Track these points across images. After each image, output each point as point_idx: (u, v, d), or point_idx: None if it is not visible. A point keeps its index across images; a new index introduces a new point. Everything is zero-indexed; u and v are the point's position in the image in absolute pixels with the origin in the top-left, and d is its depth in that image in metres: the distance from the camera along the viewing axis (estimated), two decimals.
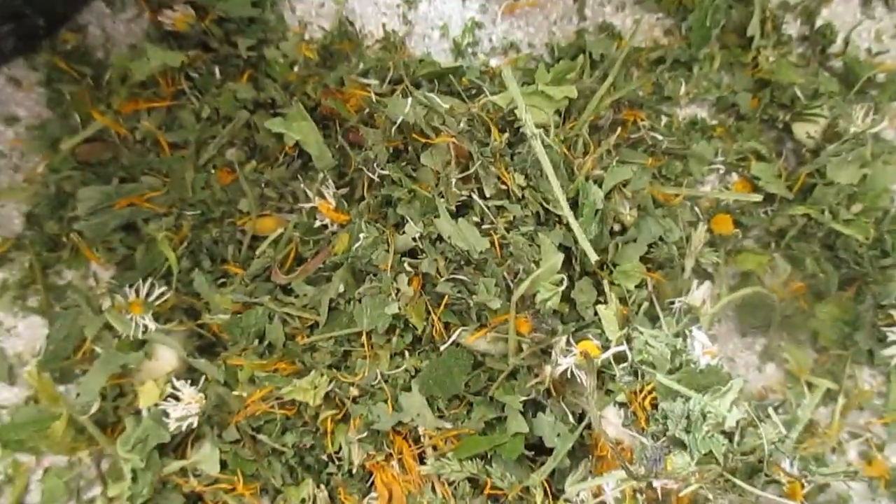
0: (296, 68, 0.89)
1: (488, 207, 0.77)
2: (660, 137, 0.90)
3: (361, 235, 0.76)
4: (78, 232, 0.85)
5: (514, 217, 0.77)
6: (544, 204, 0.77)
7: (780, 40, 0.94)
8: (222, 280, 0.85)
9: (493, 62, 0.93)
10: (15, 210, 0.90)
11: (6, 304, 0.89)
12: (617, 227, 0.83)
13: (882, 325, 0.88)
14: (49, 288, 0.89)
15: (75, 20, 0.91)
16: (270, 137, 0.85)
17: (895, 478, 0.89)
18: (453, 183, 0.75)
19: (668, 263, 0.85)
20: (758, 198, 0.87)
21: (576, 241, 0.77)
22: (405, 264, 0.76)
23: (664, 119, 0.92)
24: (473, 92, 0.88)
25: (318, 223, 0.83)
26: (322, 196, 0.82)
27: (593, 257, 0.75)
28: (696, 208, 0.90)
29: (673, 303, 0.83)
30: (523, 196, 0.77)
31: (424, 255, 0.76)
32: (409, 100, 0.76)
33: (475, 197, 0.77)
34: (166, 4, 0.88)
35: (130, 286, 0.82)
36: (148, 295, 0.82)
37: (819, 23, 0.95)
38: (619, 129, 0.88)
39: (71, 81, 0.89)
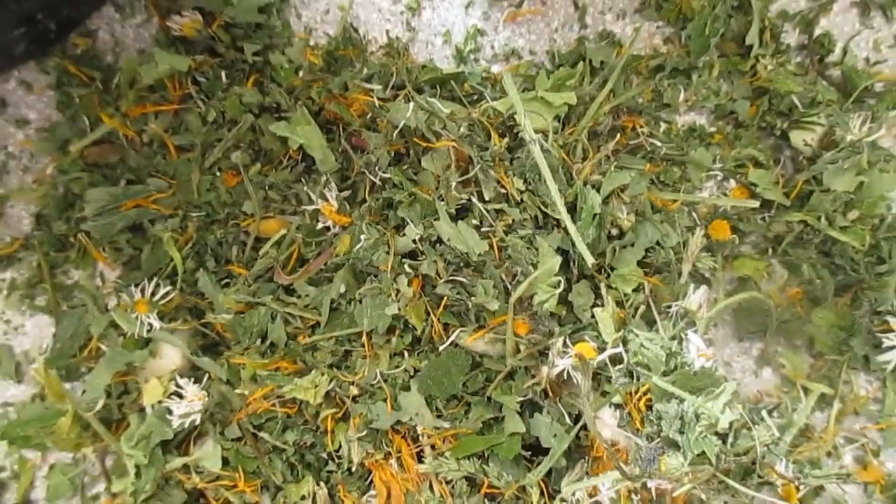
0: (301, 73, 0.90)
1: (487, 211, 0.78)
2: (658, 144, 0.91)
3: (363, 237, 0.77)
4: (86, 232, 0.87)
5: (513, 220, 0.78)
6: (543, 208, 0.79)
7: (778, 49, 0.95)
8: (226, 280, 0.86)
9: (495, 69, 0.94)
10: (24, 210, 0.92)
11: (14, 303, 0.90)
12: (615, 232, 0.84)
13: (878, 331, 0.88)
14: (56, 287, 0.90)
15: (85, 25, 0.93)
16: (275, 141, 0.86)
17: (890, 483, 0.89)
18: (453, 186, 0.77)
19: (665, 268, 0.86)
20: (755, 204, 0.88)
21: (573, 245, 0.78)
22: (405, 266, 0.78)
23: (663, 126, 0.94)
24: (475, 98, 0.90)
25: (320, 225, 0.84)
26: (325, 199, 0.83)
27: (590, 261, 0.76)
28: (694, 214, 0.91)
29: (670, 307, 0.84)
30: (522, 200, 0.79)
31: (424, 256, 0.78)
32: (411, 105, 0.78)
33: (475, 200, 0.78)
34: (175, 10, 0.89)
35: (136, 286, 0.84)
36: (153, 294, 0.83)
37: (817, 32, 0.96)
38: (619, 135, 0.89)
39: (80, 85, 0.91)
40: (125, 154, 0.90)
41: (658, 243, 0.85)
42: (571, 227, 0.77)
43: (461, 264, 0.78)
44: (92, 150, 0.90)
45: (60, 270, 0.91)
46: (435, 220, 0.77)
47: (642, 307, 0.82)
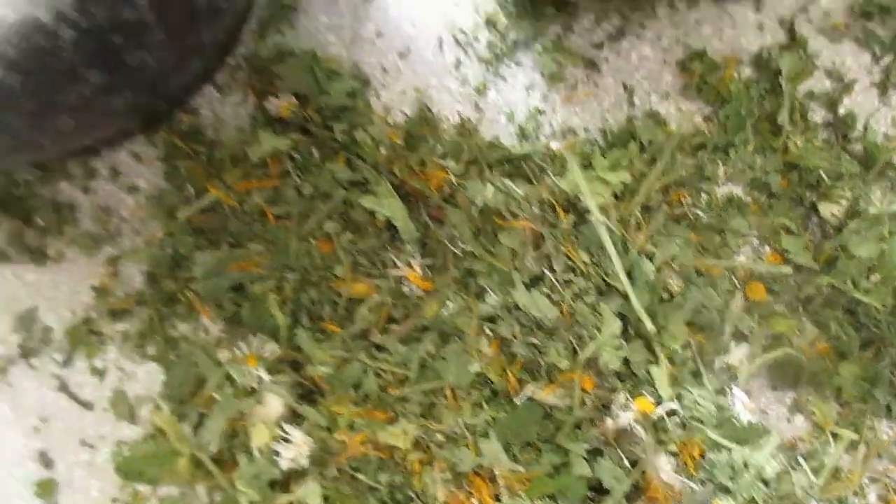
0: (382, 150, 1.01)
1: (557, 280, 0.89)
2: (701, 213, 1.01)
3: (449, 303, 0.88)
4: (194, 291, 0.98)
5: (579, 289, 0.89)
6: (605, 277, 0.90)
7: (807, 126, 1.04)
8: (319, 336, 0.97)
9: (554, 145, 1.05)
10: (136, 269, 1.02)
11: (128, 352, 1.02)
12: (665, 296, 0.94)
13: None
14: (165, 339, 1.01)
15: (189, 103, 1.05)
16: (364, 212, 0.96)
17: None
18: (528, 260, 0.88)
19: (709, 327, 0.96)
20: (788, 271, 0.97)
21: (631, 309, 0.89)
22: (486, 328, 0.89)
23: (704, 196, 1.03)
24: (538, 172, 1.01)
25: (406, 289, 0.95)
26: (409, 265, 0.94)
27: (650, 327, 0.86)
28: (733, 277, 1.00)
29: (713, 361, 0.94)
30: (587, 271, 0.90)
31: (502, 320, 0.89)
32: (489, 187, 0.89)
33: (546, 271, 0.89)
34: (272, 93, 1.01)
35: (243, 340, 0.95)
36: (260, 349, 0.94)
37: (841, 111, 1.05)
38: (666, 206, 1.00)
39: (186, 157, 1.02)
40: (227, 221, 1.00)
41: (703, 305, 0.95)
42: (632, 295, 0.87)
43: (534, 327, 0.88)
44: (197, 216, 1.01)
45: (167, 323, 1.02)
46: (511, 288, 0.88)
47: (690, 363, 0.93)
